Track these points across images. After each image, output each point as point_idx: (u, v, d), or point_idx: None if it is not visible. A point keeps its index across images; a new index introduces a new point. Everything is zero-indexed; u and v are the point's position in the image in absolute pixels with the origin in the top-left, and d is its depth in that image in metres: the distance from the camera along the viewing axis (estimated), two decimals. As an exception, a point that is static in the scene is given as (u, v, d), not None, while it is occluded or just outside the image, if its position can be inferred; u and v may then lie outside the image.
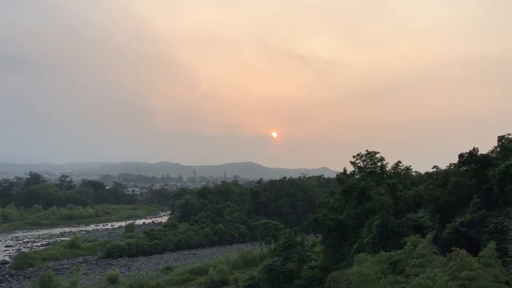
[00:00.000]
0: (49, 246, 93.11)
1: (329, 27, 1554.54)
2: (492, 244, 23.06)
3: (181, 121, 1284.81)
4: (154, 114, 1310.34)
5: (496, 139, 45.91)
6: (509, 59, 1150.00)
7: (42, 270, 69.01)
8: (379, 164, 57.21)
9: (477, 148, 44.80)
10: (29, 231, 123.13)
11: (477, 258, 22.05)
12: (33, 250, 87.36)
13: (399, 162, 58.52)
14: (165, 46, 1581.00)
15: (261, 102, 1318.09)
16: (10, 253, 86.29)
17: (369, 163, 57.27)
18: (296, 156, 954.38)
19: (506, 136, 44.96)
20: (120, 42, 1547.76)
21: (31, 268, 71.30)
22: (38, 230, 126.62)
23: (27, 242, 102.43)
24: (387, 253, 33.76)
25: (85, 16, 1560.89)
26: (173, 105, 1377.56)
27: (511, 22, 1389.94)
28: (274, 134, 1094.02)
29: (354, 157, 57.91)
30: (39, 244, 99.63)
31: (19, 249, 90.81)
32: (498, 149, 45.17)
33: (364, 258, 32.57)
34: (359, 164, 57.75)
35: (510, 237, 31.39)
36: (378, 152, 57.44)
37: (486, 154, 44.99)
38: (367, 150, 57.72)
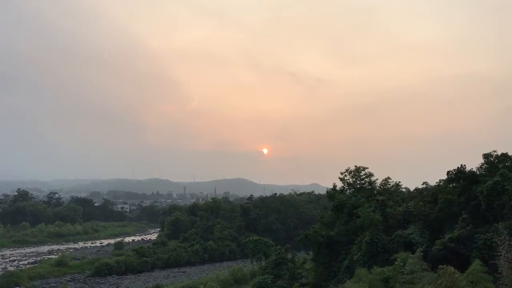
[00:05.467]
0: (36, 264, 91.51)
1: (320, 44, 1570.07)
2: (478, 261, 23.22)
3: (171, 137, 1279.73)
4: (144, 130, 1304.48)
5: (483, 155, 46.61)
6: (495, 76, 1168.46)
7: (29, 289, 67.90)
8: (367, 179, 57.52)
9: (464, 165, 45.44)
10: (16, 249, 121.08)
11: (465, 275, 22.22)
12: (20, 268, 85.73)
13: (388, 178, 58.94)
14: (157, 62, 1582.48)
15: (252, 119, 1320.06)
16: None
17: (358, 179, 57.58)
18: (287, 172, 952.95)
19: (491, 153, 45.69)
20: (111, 58, 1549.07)
21: (17, 287, 70.03)
22: (25, 248, 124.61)
23: (14, 261, 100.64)
24: (380, 268, 33.76)
25: (76, 32, 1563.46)
26: (164, 121, 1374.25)
27: (498, 40, 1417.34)
28: (265, 150, 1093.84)
29: (342, 173, 58.18)
30: (26, 262, 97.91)
31: (5, 267, 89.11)
32: (485, 166, 45.82)
33: (363, 273, 32.61)
34: (348, 180, 58.02)
35: (498, 253, 31.69)
36: (366, 168, 57.81)
37: (474, 171, 45.61)
38: (355, 166, 58.09)
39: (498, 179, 38.10)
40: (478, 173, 45.50)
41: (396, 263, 31.62)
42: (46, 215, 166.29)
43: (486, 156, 46.06)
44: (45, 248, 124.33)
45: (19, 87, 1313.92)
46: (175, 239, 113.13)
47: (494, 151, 45.82)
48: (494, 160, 45.36)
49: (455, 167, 46.18)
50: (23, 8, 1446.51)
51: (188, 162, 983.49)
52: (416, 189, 62.21)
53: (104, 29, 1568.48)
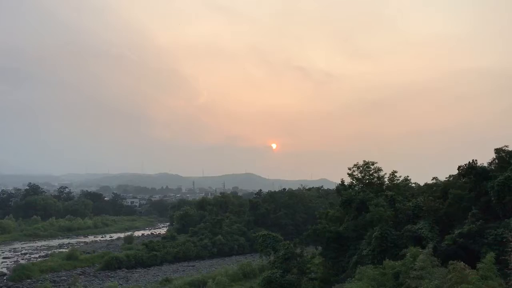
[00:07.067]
0: (47, 258, 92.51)
1: (329, 39, 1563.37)
2: (490, 256, 22.94)
3: (180, 132, 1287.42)
4: (153, 125, 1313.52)
5: (493, 149, 46.12)
6: (506, 70, 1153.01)
7: (40, 282, 68.63)
8: (376, 175, 57.11)
9: (475, 160, 44.95)
10: (27, 243, 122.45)
11: (475, 270, 22.02)
12: (31, 261, 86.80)
13: (395, 172, 58.21)
14: (166, 57, 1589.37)
15: (260, 114, 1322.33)
16: (8, 264, 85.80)
17: (367, 174, 57.19)
18: (295, 167, 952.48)
19: (503, 148, 45.16)
20: (120, 53, 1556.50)
21: (29, 280, 70.83)
22: (36, 241, 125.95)
23: (25, 254, 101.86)
24: (391, 262, 33.52)
25: (86, 27, 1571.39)
26: (173, 116, 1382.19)
27: (508, 34, 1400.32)
28: (274, 146, 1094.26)
29: (349, 169, 57.82)
30: (37, 255, 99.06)
31: (17, 260, 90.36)
32: (496, 161, 45.35)
33: (366, 270, 32.46)
34: (356, 176, 57.69)
35: (509, 249, 31.44)
36: (375, 162, 57.36)
37: (485, 166, 45.13)
38: (364, 161, 57.71)
39: (509, 174, 37.69)
40: (489, 168, 45.03)
41: (406, 258, 31.50)
42: (56, 209, 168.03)
43: (498, 151, 45.55)
44: (55, 242, 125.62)
45: (30, 84, 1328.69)
46: (184, 233, 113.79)
47: (506, 146, 45.29)
48: (506, 155, 44.85)
49: (465, 162, 45.77)
50: (32, 5, 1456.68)
51: (197, 157, 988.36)
52: (426, 184, 61.76)
53: (113, 25, 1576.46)
